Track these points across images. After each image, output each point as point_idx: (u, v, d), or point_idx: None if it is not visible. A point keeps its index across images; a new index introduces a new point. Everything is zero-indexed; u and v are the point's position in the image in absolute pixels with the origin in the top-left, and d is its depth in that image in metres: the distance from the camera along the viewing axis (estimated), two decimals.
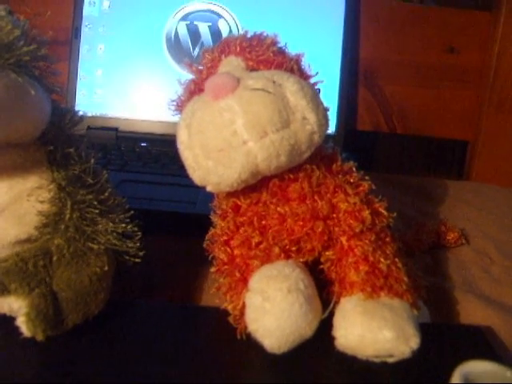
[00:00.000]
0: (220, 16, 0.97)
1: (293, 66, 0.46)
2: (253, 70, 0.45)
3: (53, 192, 0.45)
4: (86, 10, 0.98)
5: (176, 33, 0.98)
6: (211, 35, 0.98)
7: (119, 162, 0.83)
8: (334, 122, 0.95)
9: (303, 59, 0.48)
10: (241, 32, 0.49)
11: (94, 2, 0.98)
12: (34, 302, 0.41)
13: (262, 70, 0.45)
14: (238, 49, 0.47)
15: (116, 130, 0.96)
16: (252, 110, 0.40)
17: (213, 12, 0.98)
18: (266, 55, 0.46)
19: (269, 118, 0.40)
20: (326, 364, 0.43)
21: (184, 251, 0.61)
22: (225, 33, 0.97)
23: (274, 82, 0.41)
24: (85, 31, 0.98)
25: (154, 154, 0.89)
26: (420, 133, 1.10)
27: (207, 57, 0.48)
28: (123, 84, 0.98)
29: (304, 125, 0.41)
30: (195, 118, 0.42)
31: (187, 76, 0.84)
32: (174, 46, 0.98)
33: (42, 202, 0.44)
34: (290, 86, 0.42)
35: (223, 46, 0.48)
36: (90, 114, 0.95)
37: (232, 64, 0.46)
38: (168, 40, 0.98)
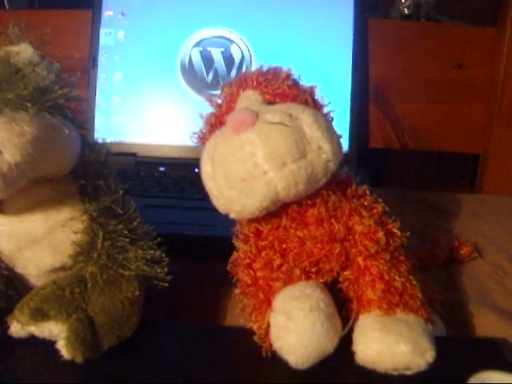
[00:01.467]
0: (232, 41, 0.99)
1: (307, 98, 0.48)
2: (269, 102, 0.48)
3: (85, 223, 0.48)
4: (103, 40, 1.01)
5: (190, 59, 1.00)
6: (224, 60, 1.00)
7: (139, 187, 0.85)
8: (347, 141, 0.96)
9: (316, 91, 0.50)
10: (256, 66, 0.52)
11: (110, 33, 1.01)
12: (72, 327, 0.43)
13: (278, 103, 0.47)
14: (255, 83, 0.49)
15: (134, 155, 0.98)
16: (271, 143, 0.43)
17: (225, 38, 1.00)
18: (282, 89, 0.48)
19: (287, 150, 0.42)
20: (347, 378, 0.45)
21: (205, 273, 0.63)
22: (237, 57, 0.99)
23: (290, 116, 0.44)
24: (102, 60, 1.01)
25: (172, 178, 0.91)
26: (431, 148, 1.11)
27: (226, 91, 0.51)
28: (140, 110, 1.00)
29: (320, 154, 0.44)
30: (218, 151, 0.45)
31: (202, 101, 0.87)
32: (189, 71, 1.00)
33: (75, 232, 0.47)
34: (305, 118, 0.44)
35: (241, 80, 0.50)
36: (108, 141, 0.97)
37: (250, 98, 0.48)
38: (182, 66, 1.00)
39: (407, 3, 1.10)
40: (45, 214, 0.47)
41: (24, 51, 0.45)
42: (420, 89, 1.08)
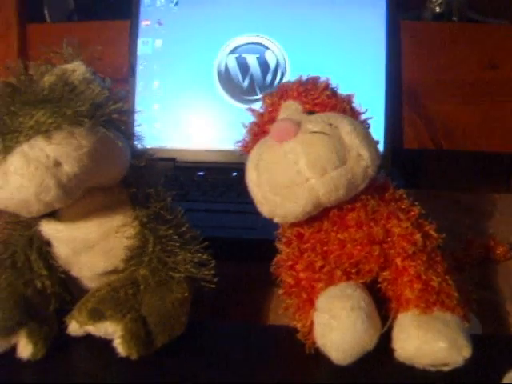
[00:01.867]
0: (267, 48, 1.01)
1: (345, 107, 0.51)
2: (309, 112, 0.50)
3: (137, 228, 0.50)
4: (141, 49, 1.03)
5: (226, 66, 1.01)
6: (259, 66, 1.01)
7: (180, 191, 0.87)
8: (382, 142, 0.96)
9: (353, 99, 0.52)
10: (296, 77, 0.54)
11: (148, 42, 1.04)
12: (127, 326, 0.45)
13: (318, 113, 0.49)
14: (295, 94, 0.51)
15: (174, 160, 1.00)
16: (313, 151, 0.45)
17: (260, 44, 1.01)
18: (321, 98, 0.50)
19: (328, 158, 0.45)
20: (387, 374, 0.47)
21: (247, 275, 0.65)
22: (272, 63, 1.01)
23: (330, 125, 0.46)
24: (140, 69, 1.03)
25: (211, 182, 0.92)
26: (466, 148, 1.10)
27: (267, 101, 0.53)
28: (179, 116, 1.02)
29: (359, 161, 0.46)
30: (263, 159, 0.47)
31: (238, 106, 0.89)
32: (225, 78, 1.02)
33: (127, 237, 0.50)
34: (344, 127, 0.46)
35: (281, 91, 0.53)
36: (148, 146, 1.00)
37: (291, 108, 0.51)
38: (219, 73, 1.02)
39: (439, 1, 1.10)
40: (98, 220, 0.50)
41: (78, 69, 0.48)
42: (454, 90, 1.08)
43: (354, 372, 0.45)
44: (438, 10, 1.11)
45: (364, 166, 0.46)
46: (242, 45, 1.02)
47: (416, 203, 0.51)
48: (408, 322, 0.46)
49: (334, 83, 0.53)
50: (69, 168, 0.43)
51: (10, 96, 0.44)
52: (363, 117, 0.52)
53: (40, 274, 0.51)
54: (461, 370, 0.44)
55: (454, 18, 1.11)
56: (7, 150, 0.42)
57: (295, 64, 1.01)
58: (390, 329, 0.47)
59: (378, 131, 0.91)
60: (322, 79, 0.53)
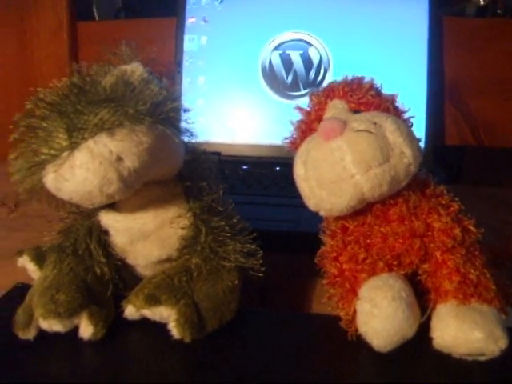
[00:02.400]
0: (310, 44, 1.03)
1: (389, 106, 0.52)
2: (355, 111, 0.52)
3: (190, 219, 0.53)
4: (187, 45, 1.07)
5: (270, 62, 1.04)
6: (303, 62, 1.03)
7: (225, 185, 0.89)
8: (423, 138, 0.96)
9: (397, 99, 0.54)
10: (342, 77, 0.56)
11: (193, 39, 1.07)
12: (181, 311, 0.48)
13: (363, 112, 0.52)
14: (341, 93, 0.53)
15: (219, 154, 1.02)
16: (358, 149, 0.47)
17: (303, 41, 1.03)
18: (366, 98, 0.52)
19: (372, 155, 0.47)
20: (425, 361, 0.48)
21: (292, 266, 0.67)
22: (315, 59, 1.03)
23: (375, 124, 0.48)
24: (186, 65, 1.07)
25: (255, 176, 0.95)
26: (507, 145, 1.10)
27: (314, 100, 0.56)
28: (223, 111, 1.05)
29: (402, 158, 0.48)
30: (310, 156, 0.50)
31: (282, 102, 0.91)
32: (269, 74, 1.04)
33: (182, 228, 0.53)
34: (388, 126, 0.48)
35: (328, 91, 0.55)
36: (195, 143, 1.02)
37: (337, 107, 0.53)
38: (263, 69, 1.04)
39: None
40: (154, 212, 0.53)
41: (137, 70, 0.51)
42: (495, 86, 1.08)
43: (393, 359, 0.48)
44: (482, 2, 1.10)
45: (406, 164, 0.48)
46: (286, 41, 1.04)
47: (456, 199, 0.52)
48: (446, 312, 0.48)
49: (377, 83, 0.55)
50: (130, 163, 0.46)
51: (76, 96, 0.47)
52: (406, 115, 0.54)
53: (99, 261, 0.54)
54: (496, 363, 0.46)
55: (499, 11, 1.10)
56: (74, 146, 0.45)
57: (338, 60, 1.02)
58: (429, 319, 0.49)
59: (419, 128, 0.92)
60: (367, 79, 0.55)
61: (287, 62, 1.04)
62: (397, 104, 0.54)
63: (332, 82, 0.56)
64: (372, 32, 1.01)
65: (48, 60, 1.22)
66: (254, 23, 1.05)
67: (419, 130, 0.50)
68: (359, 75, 0.55)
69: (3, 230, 0.83)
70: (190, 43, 1.07)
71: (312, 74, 1.04)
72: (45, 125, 0.47)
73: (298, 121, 0.57)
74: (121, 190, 0.47)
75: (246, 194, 0.87)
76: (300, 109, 0.57)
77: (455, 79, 1.09)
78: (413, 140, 0.49)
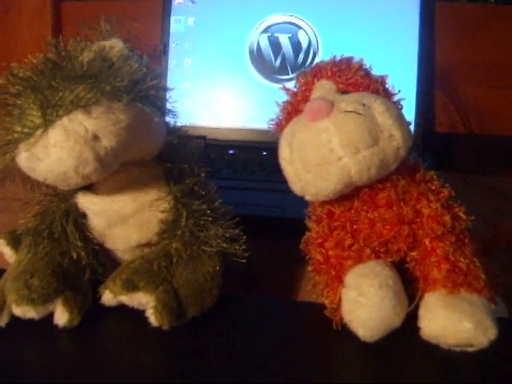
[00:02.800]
0: (299, 27, 1.01)
1: (378, 87, 0.51)
2: (343, 91, 0.50)
3: (171, 203, 0.52)
4: (173, 27, 1.05)
5: (258, 45, 1.02)
6: (291, 46, 1.02)
7: (210, 169, 0.88)
8: (413, 125, 0.95)
9: (387, 80, 0.53)
10: (330, 57, 0.54)
11: (180, 20, 1.05)
12: (160, 297, 0.47)
13: (351, 93, 0.50)
14: (329, 73, 0.52)
15: (204, 138, 1.01)
16: (346, 130, 0.46)
17: (292, 24, 1.01)
18: (355, 78, 0.51)
19: (360, 137, 0.45)
20: (412, 351, 0.48)
21: (276, 252, 0.66)
22: (304, 43, 1.01)
23: (363, 105, 0.47)
24: (172, 47, 1.05)
25: (241, 160, 0.94)
26: (497, 132, 1.09)
27: (301, 80, 0.54)
28: (210, 95, 1.04)
29: (391, 141, 0.46)
30: (296, 137, 0.48)
31: (270, 86, 0.90)
32: (257, 57, 1.02)
33: (162, 211, 0.51)
34: (377, 107, 0.47)
35: (315, 70, 0.53)
36: (178, 125, 1.01)
37: (324, 87, 0.51)
38: (251, 52, 1.02)
39: None
40: (133, 194, 0.52)
41: (116, 45, 0.49)
42: (486, 73, 1.07)
43: (379, 349, 0.46)
44: None
45: (396, 147, 0.46)
46: (275, 24, 1.03)
47: (446, 185, 0.51)
48: (434, 301, 0.46)
49: (367, 63, 0.54)
50: (107, 142, 0.44)
51: (51, 71, 0.45)
52: (396, 98, 0.53)
53: (76, 245, 0.52)
54: (485, 353, 0.44)
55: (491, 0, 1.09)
56: (48, 124, 0.43)
57: (327, 44, 1.01)
58: (417, 308, 0.47)
59: (409, 114, 0.90)
60: (356, 59, 0.53)
61: (276, 45, 1.03)
62: (387, 86, 0.52)
63: (320, 62, 0.54)
64: (362, 16, 1.00)
65: (31, 41, 1.20)
66: (243, 5, 1.03)
67: (409, 116, 0.49)
68: (348, 55, 0.54)
69: None
70: (176, 24, 1.05)
71: (301, 57, 1.02)
72: (18, 102, 0.45)
73: (283, 102, 0.55)
74: (97, 170, 0.45)
75: (232, 178, 0.86)
76: (286, 89, 0.55)
77: (446, 65, 1.08)
78: (403, 123, 0.47)
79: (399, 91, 0.53)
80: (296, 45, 1.02)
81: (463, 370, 0.46)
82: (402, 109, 0.51)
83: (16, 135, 0.44)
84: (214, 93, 1.04)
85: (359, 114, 0.46)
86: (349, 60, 0.53)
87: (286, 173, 0.50)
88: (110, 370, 0.45)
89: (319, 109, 0.47)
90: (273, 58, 1.03)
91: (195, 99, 1.04)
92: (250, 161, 0.93)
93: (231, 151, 0.99)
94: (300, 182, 0.48)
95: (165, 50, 1.05)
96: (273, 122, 0.55)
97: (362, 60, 0.53)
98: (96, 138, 0.44)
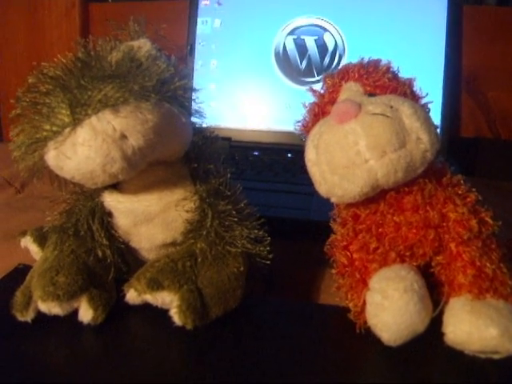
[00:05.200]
0: (325, 30, 1.01)
1: (406, 90, 0.51)
2: (370, 94, 0.50)
3: (196, 203, 0.52)
4: (200, 28, 1.05)
5: (284, 47, 1.02)
6: (317, 48, 1.02)
7: (235, 171, 0.88)
8: (439, 130, 0.95)
9: (415, 83, 0.52)
10: (357, 59, 0.54)
11: (207, 21, 1.05)
12: (184, 296, 0.47)
13: (379, 95, 0.50)
14: (357, 75, 0.52)
15: (229, 139, 1.01)
16: (373, 133, 0.45)
17: (318, 26, 1.01)
18: (382, 81, 0.50)
19: (388, 140, 0.45)
20: (436, 357, 0.47)
21: (300, 254, 0.66)
22: (330, 45, 1.01)
23: (391, 107, 0.46)
24: (198, 48, 1.05)
25: (266, 162, 0.93)
26: None
27: (328, 82, 0.54)
28: (235, 96, 1.04)
29: (418, 144, 0.46)
30: (323, 139, 0.48)
31: (295, 88, 0.90)
32: (283, 59, 1.02)
33: (187, 211, 0.51)
34: (405, 110, 0.46)
35: (343, 72, 0.53)
36: (204, 126, 1.01)
37: (351, 89, 0.51)
38: (276, 54, 1.02)
39: None
40: (159, 194, 0.52)
41: (144, 46, 0.49)
42: None
43: (402, 354, 0.46)
44: None
45: (423, 150, 0.46)
46: (301, 26, 1.02)
47: (473, 189, 0.51)
48: (460, 306, 0.46)
49: (394, 66, 0.53)
50: (134, 141, 0.44)
51: (80, 70, 0.46)
52: (423, 101, 0.52)
53: (101, 243, 0.52)
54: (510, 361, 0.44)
55: None
56: (76, 122, 0.44)
57: (353, 47, 1.01)
58: (441, 313, 0.47)
59: (435, 118, 0.89)
60: (384, 62, 0.53)
61: (301, 48, 1.03)
62: (414, 88, 0.52)
63: (347, 64, 0.54)
64: (389, 19, 0.99)
65: (59, 41, 1.21)
66: (269, 7, 1.03)
67: (434, 120, 0.48)
68: (375, 58, 0.53)
69: (9, 210, 0.83)
70: (203, 26, 1.06)
71: (326, 60, 1.02)
72: (47, 100, 0.45)
73: (310, 103, 0.55)
74: (124, 169, 0.45)
75: (256, 180, 0.86)
76: (313, 91, 0.55)
77: (473, 69, 1.07)
78: (430, 126, 0.47)
79: (427, 94, 0.52)
80: (322, 47, 1.02)
81: (488, 377, 0.45)
82: (429, 112, 0.50)
83: (45, 133, 0.44)
84: (240, 94, 1.04)
85: (387, 116, 0.46)
86: (376, 62, 0.53)
87: (311, 174, 0.50)
88: (132, 369, 0.45)
89: (347, 111, 0.47)
90: (299, 61, 1.03)
91: (221, 101, 1.04)
92: (274, 163, 0.93)
93: (256, 153, 0.99)
94: (326, 184, 0.48)
95: (191, 52, 1.06)
96: (299, 124, 0.55)
97: (389, 62, 0.53)
98: (124, 137, 0.44)
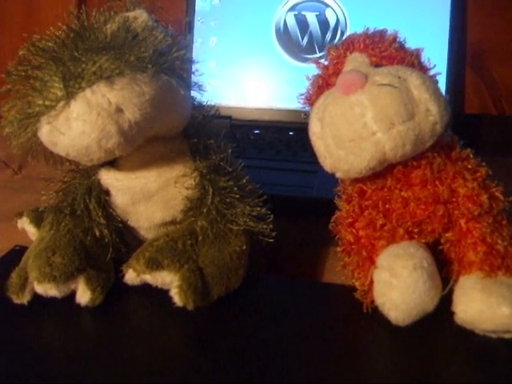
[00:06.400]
0: (327, 5, 0.98)
1: (413, 61, 0.49)
2: (376, 65, 0.48)
3: (196, 179, 0.50)
4: (198, 5, 1.03)
5: (285, 23, 1.00)
6: (319, 24, 0.99)
7: (236, 149, 0.87)
8: None
9: (423, 53, 0.50)
10: (363, 29, 0.52)
11: None
12: (184, 276, 0.45)
13: (385, 66, 0.48)
14: (362, 46, 0.50)
15: (230, 118, 0.99)
16: (380, 104, 0.43)
17: (319, 1, 0.99)
18: (389, 51, 0.49)
19: (395, 111, 0.43)
20: (446, 337, 0.45)
21: (304, 232, 0.64)
22: (332, 21, 0.98)
23: (399, 78, 0.44)
24: (197, 25, 1.03)
25: (267, 140, 0.92)
26: None
27: (332, 53, 0.52)
28: (235, 74, 1.02)
29: (427, 116, 0.44)
30: (327, 111, 0.46)
31: (296, 65, 0.88)
32: (283, 36, 1.00)
33: (187, 188, 0.50)
34: (413, 80, 0.45)
35: (348, 43, 0.51)
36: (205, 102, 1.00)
37: (357, 60, 0.49)
38: (277, 30, 1.00)
39: None
40: (158, 170, 0.50)
41: (140, 16, 0.48)
42: None
43: (411, 333, 0.45)
44: None
45: (432, 122, 0.44)
46: (302, 2, 1.00)
47: (483, 163, 0.49)
48: (471, 284, 0.44)
49: (401, 36, 0.51)
50: (130, 115, 0.43)
51: (73, 42, 0.44)
52: (431, 72, 0.50)
53: (98, 222, 0.51)
54: None
55: None
56: (70, 96, 0.42)
57: (355, 23, 0.98)
58: (451, 291, 0.45)
59: None
60: (390, 32, 0.51)
61: (303, 24, 1.00)
62: (422, 59, 0.50)
63: (352, 34, 0.52)
64: None
65: (56, 21, 1.18)
66: None
67: None
68: (381, 28, 0.51)
69: (6, 192, 0.82)
70: (201, 2, 1.03)
71: (328, 36, 1.00)
72: (39, 74, 0.44)
73: (314, 75, 0.53)
74: (121, 144, 0.44)
75: (258, 158, 0.84)
76: (317, 62, 0.53)
77: (478, 44, 1.04)
78: (440, 97, 0.45)
79: (434, 66, 0.50)
80: (323, 23, 0.99)
81: (499, 356, 0.44)
82: (437, 83, 0.49)
83: (37, 108, 0.43)
84: (240, 72, 1.02)
85: (395, 87, 0.44)
86: (382, 32, 0.51)
87: (316, 148, 0.48)
88: (132, 352, 0.44)
89: (353, 81, 0.45)
90: (300, 37, 1.00)
91: (220, 78, 1.02)
92: (276, 141, 0.92)
93: (257, 131, 0.97)
94: (331, 158, 0.47)
95: (190, 28, 1.03)
96: (303, 97, 0.53)
97: (396, 32, 0.51)
98: (119, 110, 0.42)
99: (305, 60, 0.99)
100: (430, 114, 0.44)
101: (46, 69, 0.43)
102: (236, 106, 1.01)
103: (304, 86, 0.54)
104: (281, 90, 1.00)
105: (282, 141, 0.91)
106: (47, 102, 0.42)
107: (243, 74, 1.02)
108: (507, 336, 0.44)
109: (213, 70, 1.02)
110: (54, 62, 0.43)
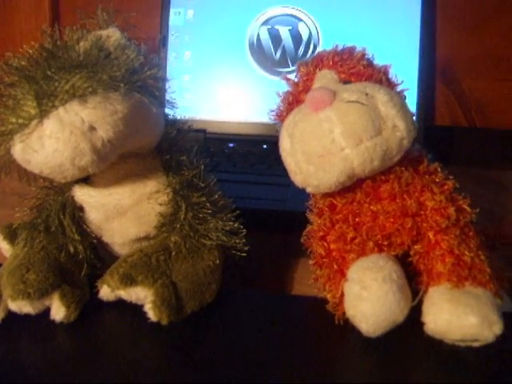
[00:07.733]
0: (299, 19, 1.00)
1: (381, 77, 0.50)
2: (345, 81, 0.49)
3: (169, 195, 0.51)
4: (172, 19, 1.04)
5: (258, 37, 1.01)
6: (292, 38, 1.01)
7: (210, 162, 0.87)
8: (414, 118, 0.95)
9: (390, 70, 0.52)
10: (332, 46, 0.53)
11: (179, 12, 1.04)
12: (158, 291, 0.46)
13: (354, 82, 0.49)
14: (331, 63, 0.51)
15: (204, 131, 0.99)
16: (348, 121, 0.44)
17: (292, 16, 1.00)
18: (357, 68, 0.50)
19: (363, 127, 0.44)
20: (416, 347, 0.46)
21: (276, 246, 0.65)
22: (305, 35, 1.00)
23: (366, 94, 0.45)
24: (171, 40, 1.04)
25: (241, 154, 0.93)
26: (499, 126, 1.08)
27: (302, 70, 0.53)
28: (209, 88, 1.02)
29: (394, 132, 0.45)
30: (297, 128, 0.47)
31: (270, 78, 0.89)
32: (257, 49, 1.01)
33: (160, 204, 0.50)
34: (381, 97, 0.46)
35: (317, 60, 0.52)
36: (178, 117, 1.00)
37: (326, 77, 0.50)
38: (251, 44, 1.01)
39: None
40: (131, 186, 0.51)
41: (113, 35, 0.48)
42: (488, 65, 1.05)
43: (382, 344, 0.45)
44: None
45: (400, 138, 0.45)
46: (275, 16, 1.01)
47: (450, 177, 0.50)
48: (439, 295, 0.45)
49: (369, 53, 0.52)
50: (103, 133, 0.43)
51: (46, 60, 0.44)
52: (399, 88, 0.51)
53: (73, 238, 0.51)
54: (490, 348, 0.44)
55: None
56: (43, 114, 0.42)
57: (328, 37, 1.00)
58: (421, 302, 0.46)
59: (410, 107, 0.90)
60: (359, 49, 0.52)
61: (276, 38, 1.02)
62: (390, 75, 0.51)
63: (321, 51, 0.53)
64: (364, 8, 0.99)
65: (29, 33, 1.18)
66: None
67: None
68: (350, 45, 0.52)
69: None
70: (175, 17, 1.04)
71: (301, 50, 1.01)
72: (12, 92, 0.44)
73: (284, 92, 0.54)
74: (94, 162, 0.44)
75: (232, 172, 0.85)
76: (287, 79, 0.54)
77: (448, 57, 1.06)
78: (406, 113, 0.46)
79: (402, 81, 0.52)
80: (296, 37, 1.01)
81: (468, 365, 0.45)
82: (405, 99, 0.50)
83: (10, 126, 0.43)
84: (214, 86, 1.03)
85: (362, 103, 0.45)
86: (351, 49, 0.52)
87: (286, 164, 0.49)
88: (107, 366, 0.44)
89: (321, 98, 0.46)
90: (273, 51, 1.02)
91: (195, 92, 1.03)
92: (250, 154, 0.92)
93: (231, 144, 0.98)
94: (301, 174, 0.47)
95: (164, 43, 1.04)
96: (273, 113, 0.54)
97: (364, 49, 0.52)
98: (92, 128, 0.43)
99: (278, 74, 1.00)
100: (398, 130, 0.45)
101: (19, 87, 0.44)
102: (210, 120, 1.02)
103: (277, 99, 0.55)
104: (255, 104, 1.00)
105: (255, 154, 0.92)
106: (20, 120, 0.43)
107: (217, 87, 1.03)
108: (475, 344, 0.44)
109: (187, 84, 1.03)
110: (27, 80, 0.43)
